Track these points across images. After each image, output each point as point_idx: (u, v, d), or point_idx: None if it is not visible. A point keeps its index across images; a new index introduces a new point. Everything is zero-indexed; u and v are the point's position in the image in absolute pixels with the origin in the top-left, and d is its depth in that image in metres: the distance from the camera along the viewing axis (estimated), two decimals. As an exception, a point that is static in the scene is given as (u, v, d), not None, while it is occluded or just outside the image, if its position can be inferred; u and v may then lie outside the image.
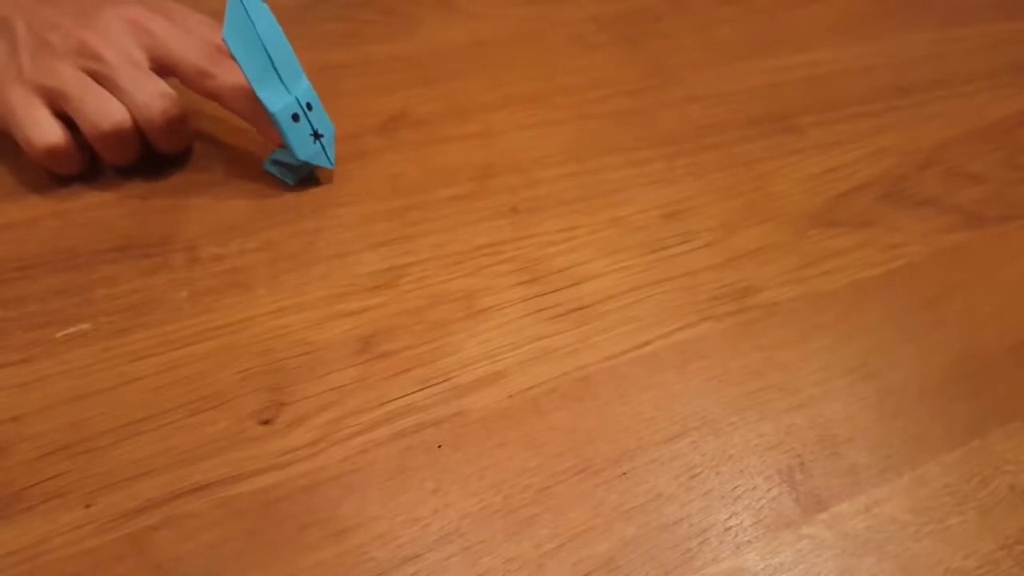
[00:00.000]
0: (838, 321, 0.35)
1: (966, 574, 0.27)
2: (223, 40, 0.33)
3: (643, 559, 0.27)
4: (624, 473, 0.29)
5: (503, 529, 0.27)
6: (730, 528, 0.28)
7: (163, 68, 0.37)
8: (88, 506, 0.27)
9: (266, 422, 0.30)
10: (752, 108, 0.46)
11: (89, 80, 0.35)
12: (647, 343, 0.33)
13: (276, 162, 0.38)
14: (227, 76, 0.38)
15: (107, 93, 0.35)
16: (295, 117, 0.36)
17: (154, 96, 0.36)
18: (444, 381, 0.31)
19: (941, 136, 0.45)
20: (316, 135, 0.37)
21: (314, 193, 0.38)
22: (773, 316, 0.35)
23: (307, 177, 0.39)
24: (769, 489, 0.29)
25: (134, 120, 0.36)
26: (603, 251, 0.37)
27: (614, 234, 0.38)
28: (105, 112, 0.35)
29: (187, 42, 0.38)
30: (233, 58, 0.34)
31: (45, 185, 0.37)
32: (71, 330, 0.32)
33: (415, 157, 0.41)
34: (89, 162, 0.38)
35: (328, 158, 0.38)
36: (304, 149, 0.37)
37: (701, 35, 0.51)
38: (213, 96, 0.38)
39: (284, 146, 0.37)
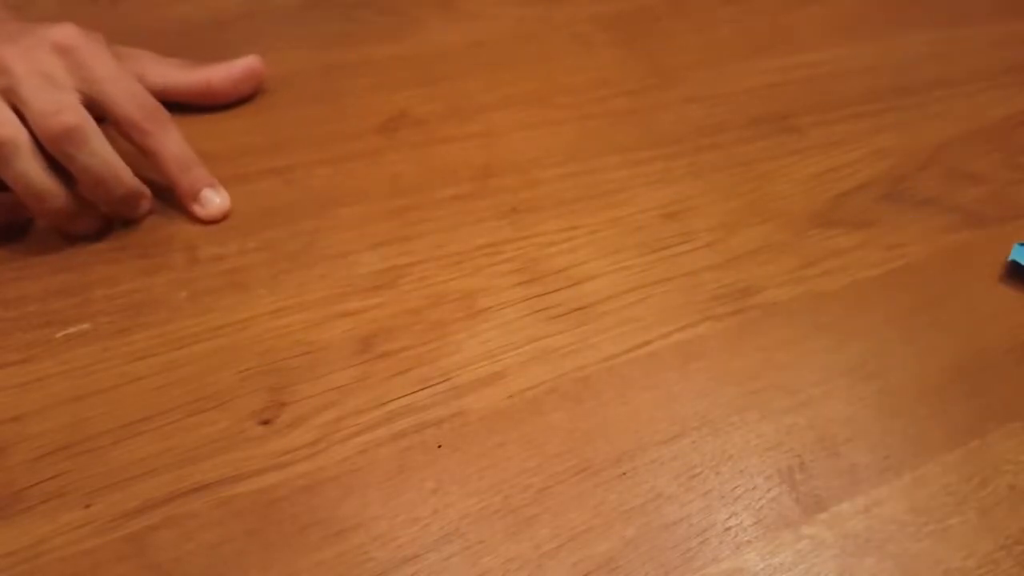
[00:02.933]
0: (838, 321, 0.35)
1: (966, 574, 0.27)
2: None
3: (643, 559, 0.27)
4: (624, 473, 0.29)
5: (503, 529, 0.27)
6: (730, 528, 0.28)
7: (93, 108, 0.34)
8: (88, 506, 0.27)
9: (266, 422, 0.30)
10: (752, 108, 0.45)
11: None
12: (647, 343, 0.33)
13: None
14: (162, 136, 0.35)
15: (7, 110, 0.32)
16: None
17: (53, 104, 0.32)
18: (444, 381, 0.31)
19: (941, 136, 0.45)
20: None
21: (314, 193, 0.38)
22: (773, 316, 0.35)
23: None
24: (769, 489, 0.29)
25: (32, 134, 0.32)
26: (603, 251, 0.37)
27: (614, 234, 0.38)
28: None
29: (126, 88, 0.34)
30: None
31: (45, 185, 0.37)
32: (71, 330, 0.32)
33: (415, 157, 0.41)
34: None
35: None
36: None
37: (701, 35, 0.51)
38: (144, 153, 0.36)
39: None
